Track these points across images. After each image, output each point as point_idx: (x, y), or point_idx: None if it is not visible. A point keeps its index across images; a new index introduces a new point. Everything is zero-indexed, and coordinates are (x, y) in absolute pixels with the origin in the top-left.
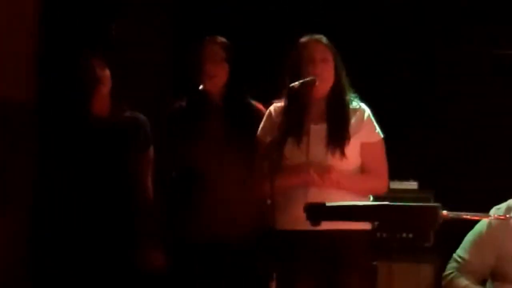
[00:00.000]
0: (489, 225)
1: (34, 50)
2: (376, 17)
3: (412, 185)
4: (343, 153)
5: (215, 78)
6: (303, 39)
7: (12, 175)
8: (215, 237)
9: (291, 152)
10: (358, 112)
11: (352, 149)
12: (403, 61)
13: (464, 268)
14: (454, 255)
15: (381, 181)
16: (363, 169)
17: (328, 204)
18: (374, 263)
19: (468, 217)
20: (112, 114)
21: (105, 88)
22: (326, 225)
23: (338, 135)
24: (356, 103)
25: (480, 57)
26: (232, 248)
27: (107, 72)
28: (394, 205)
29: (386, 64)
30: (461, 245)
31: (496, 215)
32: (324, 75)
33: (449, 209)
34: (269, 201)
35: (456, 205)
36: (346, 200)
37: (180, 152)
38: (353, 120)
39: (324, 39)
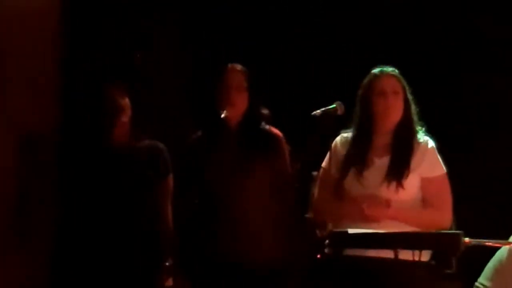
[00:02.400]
0: (510, 252)
1: (57, 80)
2: (399, 46)
3: None
4: (400, 184)
5: (237, 106)
6: (376, 71)
7: (34, 205)
8: (238, 261)
9: (351, 184)
10: (421, 146)
11: (411, 182)
12: (428, 90)
13: None
14: (476, 283)
15: (442, 215)
16: (424, 203)
17: (350, 231)
18: None
19: (490, 244)
20: (131, 142)
21: (125, 116)
22: (373, 253)
23: (398, 167)
24: (421, 136)
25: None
26: (255, 271)
27: (127, 101)
28: (416, 232)
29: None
30: (483, 273)
31: None
32: (394, 108)
33: (471, 236)
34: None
35: (478, 232)
36: None
37: (201, 180)
38: (416, 154)
39: (395, 72)
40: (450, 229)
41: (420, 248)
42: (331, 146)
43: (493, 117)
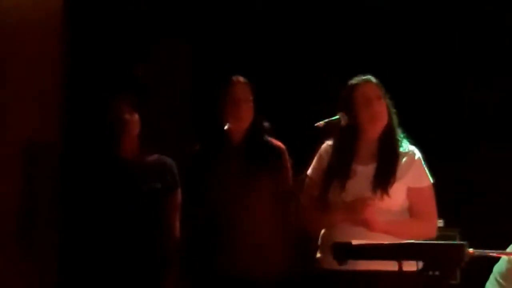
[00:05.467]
0: (509, 260)
1: (61, 93)
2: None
3: (438, 222)
4: (385, 192)
5: (245, 118)
6: (355, 80)
7: (38, 216)
8: (242, 274)
9: (333, 196)
10: (408, 156)
11: (398, 191)
12: (430, 99)
13: None
14: None
15: (428, 226)
16: (410, 213)
17: (354, 243)
18: None
19: (494, 254)
20: (140, 156)
21: (134, 131)
22: (370, 266)
23: (384, 175)
24: (406, 146)
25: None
26: (259, 285)
27: (136, 116)
28: (420, 243)
29: (411, 102)
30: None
31: None
32: (381, 114)
33: (475, 247)
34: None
35: (482, 243)
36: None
37: (204, 192)
38: (402, 163)
39: (374, 79)
40: (454, 239)
41: (424, 259)
42: (317, 153)
43: (495, 125)
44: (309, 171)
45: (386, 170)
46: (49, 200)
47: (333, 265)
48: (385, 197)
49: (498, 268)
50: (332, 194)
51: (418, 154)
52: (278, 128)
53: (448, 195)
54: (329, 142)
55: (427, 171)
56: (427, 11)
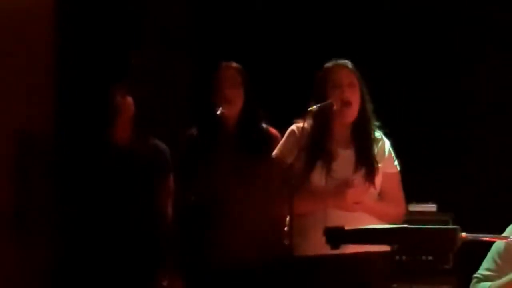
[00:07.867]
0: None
1: (53, 79)
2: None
3: (431, 207)
4: (373, 182)
5: (232, 103)
6: (329, 64)
7: (32, 205)
8: (233, 261)
9: (319, 177)
10: (380, 143)
11: (378, 178)
12: (424, 85)
13: (486, 279)
14: (473, 276)
15: (399, 210)
16: (382, 197)
17: (347, 227)
18: (395, 285)
19: (487, 239)
20: (133, 142)
21: (126, 115)
22: (345, 249)
23: (368, 163)
24: (378, 134)
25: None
26: (251, 272)
27: (128, 100)
28: (413, 228)
29: (407, 87)
30: (482, 265)
31: None
32: (352, 100)
33: (468, 231)
34: (286, 227)
35: (475, 227)
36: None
37: (197, 178)
38: (376, 150)
39: (350, 64)
40: (447, 224)
41: (417, 243)
42: (287, 134)
43: (489, 112)
44: (277, 152)
45: (367, 158)
46: (43, 189)
47: (305, 251)
48: (371, 185)
49: (496, 247)
50: (316, 176)
51: (388, 143)
52: (273, 115)
53: (441, 179)
54: (298, 124)
55: (395, 159)
56: (425, 8)
